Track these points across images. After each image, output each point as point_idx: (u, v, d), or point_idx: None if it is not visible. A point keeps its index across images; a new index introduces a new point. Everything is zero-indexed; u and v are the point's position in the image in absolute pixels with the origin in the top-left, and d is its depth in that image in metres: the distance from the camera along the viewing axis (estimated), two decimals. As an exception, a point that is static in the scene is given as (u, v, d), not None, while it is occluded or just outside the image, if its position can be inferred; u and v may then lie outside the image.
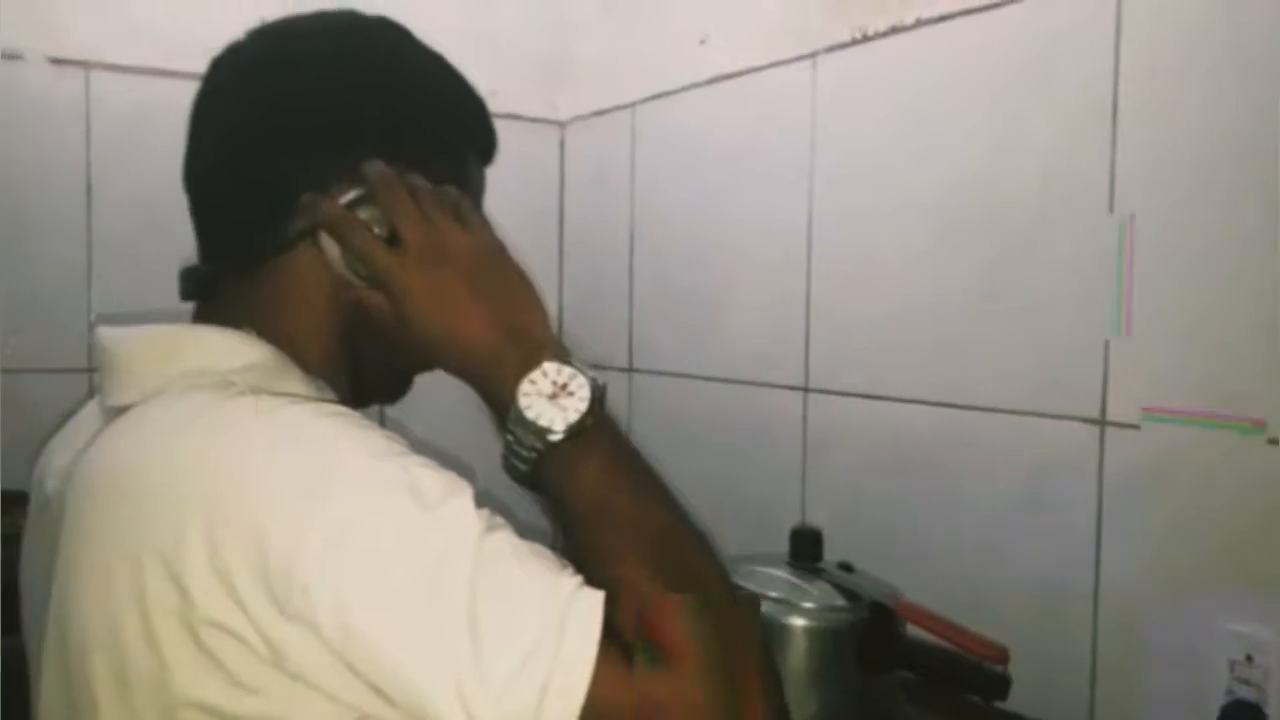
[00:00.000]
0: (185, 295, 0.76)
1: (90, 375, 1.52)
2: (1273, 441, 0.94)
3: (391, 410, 0.89)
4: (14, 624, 0.77)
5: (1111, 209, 1.07)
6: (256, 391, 0.66)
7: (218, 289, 0.74)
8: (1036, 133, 1.14)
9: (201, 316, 0.75)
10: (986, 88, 1.19)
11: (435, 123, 0.77)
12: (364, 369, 0.77)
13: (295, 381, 0.71)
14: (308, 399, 0.68)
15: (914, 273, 1.28)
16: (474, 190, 0.82)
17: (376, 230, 0.70)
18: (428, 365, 0.79)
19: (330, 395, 0.74)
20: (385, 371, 0.79)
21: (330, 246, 0.71)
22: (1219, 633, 0.99)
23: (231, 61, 0.76)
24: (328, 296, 0.73)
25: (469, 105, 0.81)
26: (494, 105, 2.07)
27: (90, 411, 0.75)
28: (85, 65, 1.51)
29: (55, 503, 0.70)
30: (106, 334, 0.73)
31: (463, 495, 0.62)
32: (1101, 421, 1.08)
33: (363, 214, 0.70)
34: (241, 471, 0.60)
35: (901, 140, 1.29)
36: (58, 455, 0.74)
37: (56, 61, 1.50)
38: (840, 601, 1.01)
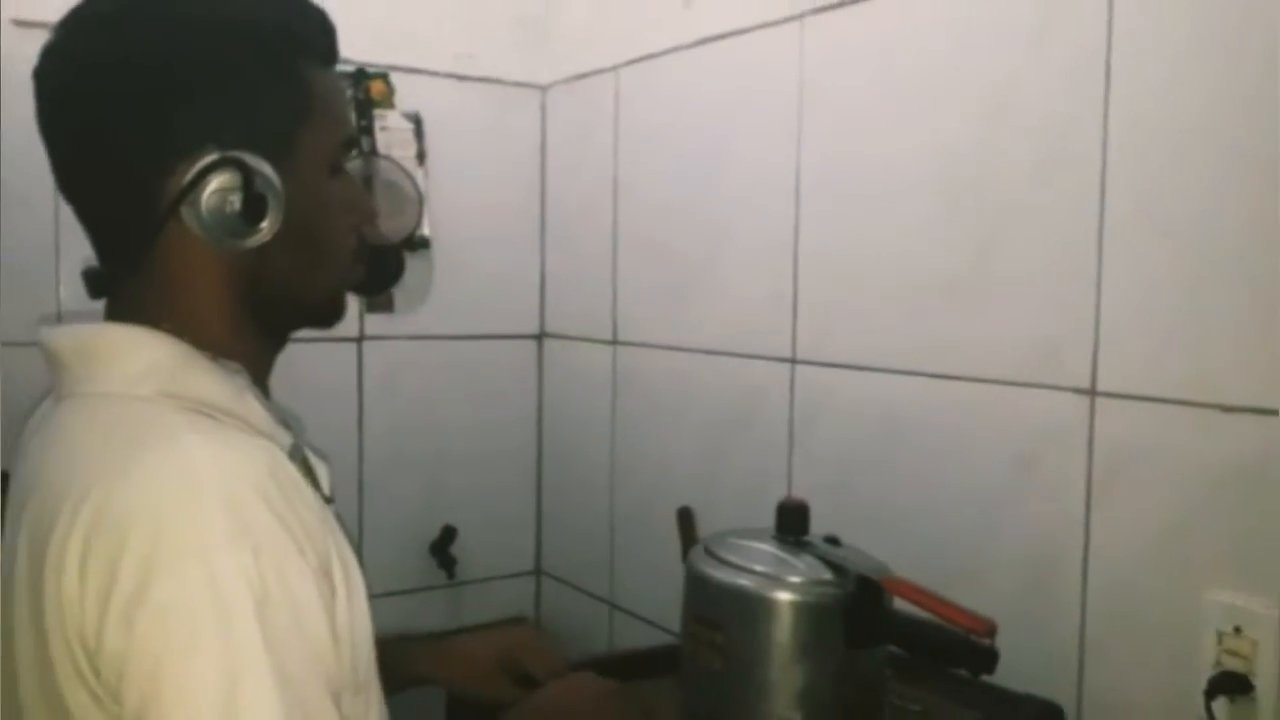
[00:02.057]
0: (92, 296, 0.81)
1: (58, 349, 1.52)
2: (1263, 412, 0.96)
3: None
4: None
5: (1104, 174, 1.07)
6: (164, 395, 0.73)
7: (120, 286, 0.79)
8: (1029, 98, 1.14)
9: (111, 313, 0.81)
10: (979, 51, 1.19)
11: (259, 54, 0.78)
12: (281, 314, 0.83)
13: (200, 374, 0.76)
14: (222, 417, 0.74)
15: (904, 241, 1.28)
16: (332, 99, 0.83)
17: (231, 199, 0.74)
18: (345, 286, 0.85)
19: (244, 377, 0.78)
20: (306, 306, 0.84)
21: (193, 222, 0.75)
22: (1207, 604, 1.00)
23: (55, 68, 0.78)
24: (213, 266, 0.78)
25: (288, 15, 0.82)
26: (472, 69, 2.07)
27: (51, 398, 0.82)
28: (49, 26, 1.48)
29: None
30: (44, 333, 0.80)
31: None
32: (1092, 392, 1.09)
33: (215, 182, 0.74)
34: (128, 503, 0.67)
35: (892, 105, 1.29)
36: (28, 435, 0.82)
37: (20, 23, 1.47)
38: (827, 576, 1.01)
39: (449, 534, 1.83)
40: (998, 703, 1.08)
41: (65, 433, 0.75)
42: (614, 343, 1.78)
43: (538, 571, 1.97)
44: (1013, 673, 1.01)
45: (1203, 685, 0.98)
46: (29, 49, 1.47)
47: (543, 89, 1.92)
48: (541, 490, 1.97)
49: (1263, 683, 0.96)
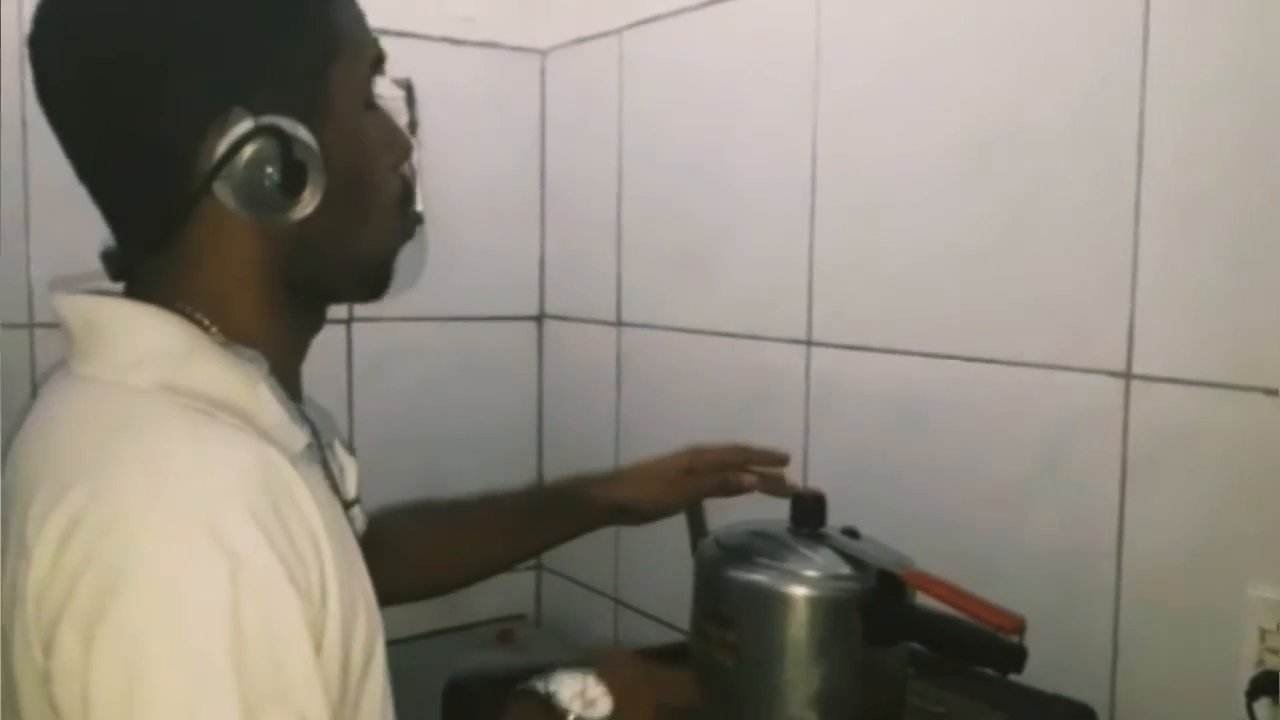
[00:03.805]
0: (112, 278, 0.79)
1: (30, 330, 1.52)
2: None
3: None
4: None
5: (1141, 143, 1.07)
6: (161, 388, 0.71)
7: (141, 267, 0.77)
8: (1062, 61, 1.14)
9: (129, 291, 0.78)
10: (1007, 11, 1.19)
11: (287, 33, 0.76)
12: (325, 282, 0.81)
13: (207, 364, 0.73)
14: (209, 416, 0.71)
15: (927, 215, 1.28)
16: (355, 25, 0.80)
17: (269, 169, 0.72)
18: (396, 242, 0.83)
19: (260, 366, 0.76)
20: (355, 270, 0.82)
21: (227, 197, 0.73)
22: (1249, 599, 1.00)
23: (54, 36, 0.75)
24: (249, 240, 0.76)
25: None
26: (469, 33, 2.06)
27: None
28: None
29: None
30: (56, 298, 0.77)
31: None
32: (1127, 375, 1.09)
33: (249, 153, 0.72)
34: (120, 512, 0.65)
35: (915, 70, 1.29)
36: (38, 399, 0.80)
37: (-16, -16, 1.48)
38: (845, 570, 1.02)
39: (445, 523, 1.83)
40: (1026, 704, 1.09)
41: (54, 418, 0.74)
42: (618, 324, 1.78)
43: (538, 566, 1.99)
44: (1042, 672, 1.01)
45: (1244, 685, 0.99)
46: (-4, 12, 1.49)
47: (542, 54, 1.93)
48: (542, 479, 1.98)
49: (1307, 681, 0.97)
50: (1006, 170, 1.19)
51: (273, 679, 0.64)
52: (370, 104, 0.80)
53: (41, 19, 0.75)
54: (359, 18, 0.80)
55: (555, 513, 1.20)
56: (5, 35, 1.46)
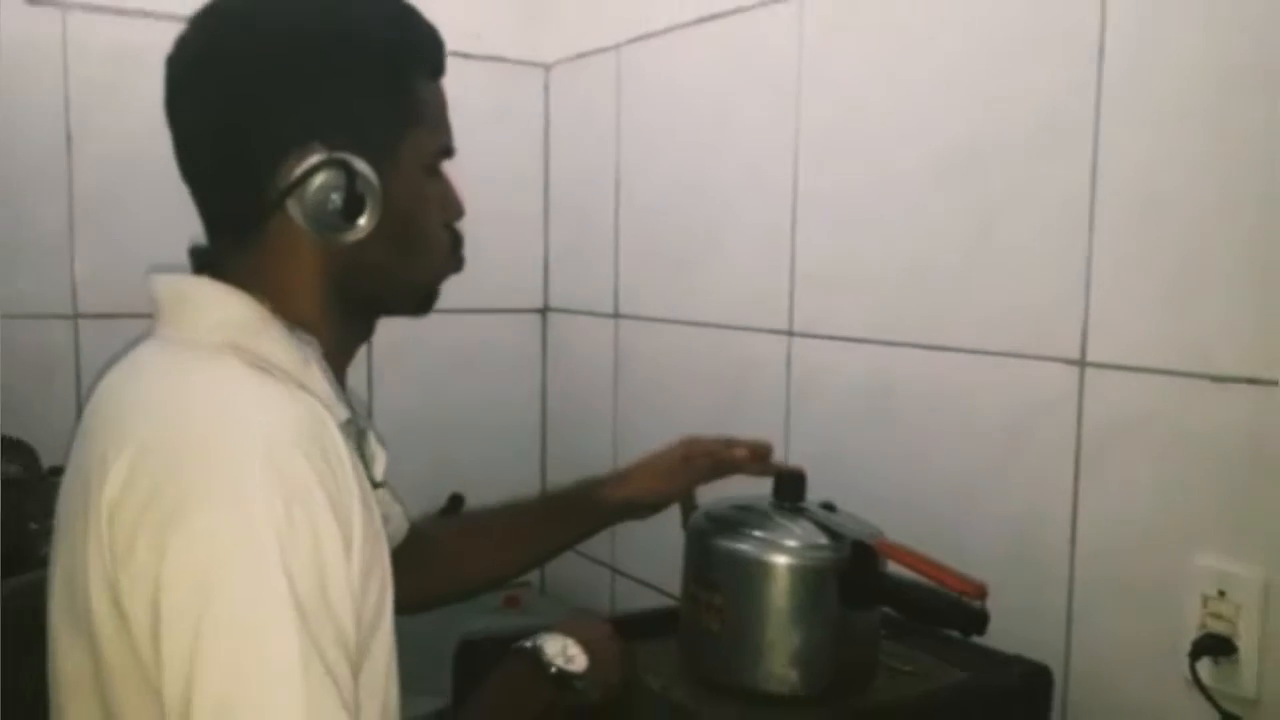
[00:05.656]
0: (195, 270, 0.85)
1: (75, 321, 1.52)
2: (1252, 382, 0.96)
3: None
4: (11, 568, 0.82)
5: (1096, 147, 1.07)
6: (231, 347, 0.77)
7: (223, 261, 0.83)
8: (1025, 74, 1.14)
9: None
10: (975, 28, 1.18)
11: (374, 64, 0.82)
12: (370, 300, 0.87)
13: (272, 337, 0.79)
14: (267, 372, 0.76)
15: (900, 216, 1.28)
16: (437, 109, 0.87)
17: (333, 196, 0.78)
18: (439, 278, 0.89)
19: (315, 350, 0.81)
20: (396, 295, 0.88)
21: (296, 213, 0.79)
22: (1192, 568, 1.00)
23: (185, 58, 0.82)
24: (312, 252, 0.82)
25: (404, 29, 0.86)
26: (477, 48, 2.06)
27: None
28: (62, 6, 1.49)
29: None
30: (152, 279, 0.84)
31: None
32: (1081, 363, 1.09)
33: (320, 179, 0.78)
34: (184, 442, 0.71)
35: (889, 82, 1.28)
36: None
37: (32, 2, 1.47)
38: (822, 540, 1.02)
39: (456, 502, 1.83)
40: (988, 663, 1.09)
41: (135, 367, 0.80)
42: (616, 317, 1.78)
43: (542, 538, 1.98)
44: (1002, 635, 1.01)
45: (1187, 647, 0.99)
46: (43, 30, 1.49)
47: (546, 68, 1.92)
48: (546, 458, 1.98)
49: (1245, 644, 0.97)
50: (973, 180, 1.19)
51: (319, 594, 0.68)
52: (432, 171, 0.86)
53: (182, 47, 0.82)
54: (443, 104, 0.88)
55: (569, 517, 1.19)
56: (49, 58, 1.47)
